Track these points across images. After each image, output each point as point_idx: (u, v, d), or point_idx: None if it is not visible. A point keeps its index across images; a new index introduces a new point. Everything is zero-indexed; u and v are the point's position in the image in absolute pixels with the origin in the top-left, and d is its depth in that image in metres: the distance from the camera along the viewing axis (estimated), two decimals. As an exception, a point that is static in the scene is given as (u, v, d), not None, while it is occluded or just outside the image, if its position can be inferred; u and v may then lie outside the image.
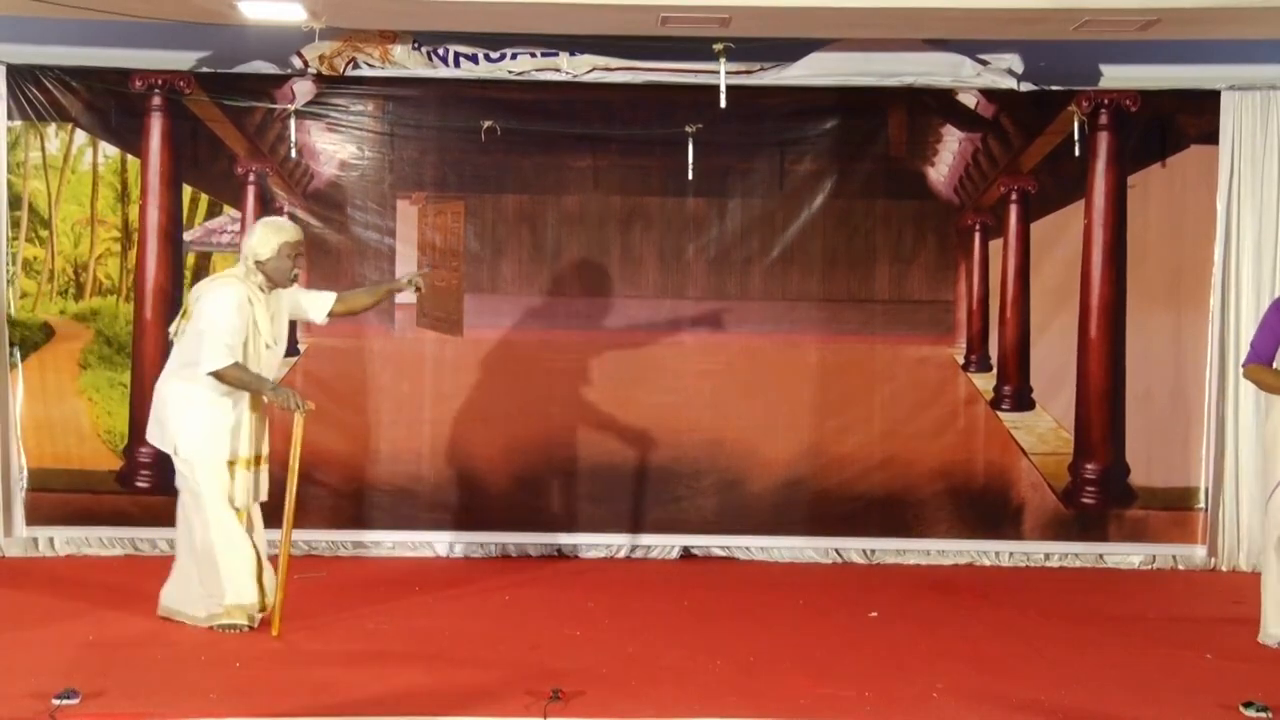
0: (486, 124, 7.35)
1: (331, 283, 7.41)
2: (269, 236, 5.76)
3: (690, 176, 7.39)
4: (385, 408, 7.45)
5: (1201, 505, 7.42)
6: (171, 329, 5.94)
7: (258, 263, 5.75)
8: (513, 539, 7.42)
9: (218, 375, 5.63)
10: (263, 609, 5.74)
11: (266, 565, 5.81)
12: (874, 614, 6.30)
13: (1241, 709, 4.70)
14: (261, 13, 6.73)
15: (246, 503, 5.80)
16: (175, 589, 5.88)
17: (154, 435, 5.90)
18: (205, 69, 7.31)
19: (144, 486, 7.33)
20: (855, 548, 7.47)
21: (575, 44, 7.24)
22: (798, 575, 7.17)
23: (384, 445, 7.44)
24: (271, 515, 5.91)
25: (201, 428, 5.71)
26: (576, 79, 7.31)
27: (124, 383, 7.36)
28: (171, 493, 7.27)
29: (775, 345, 7.50)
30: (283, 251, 5.75)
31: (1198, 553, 7.41)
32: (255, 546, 5.76)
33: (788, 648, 5.61)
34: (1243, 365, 5.87)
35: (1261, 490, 6.20)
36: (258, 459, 5.85)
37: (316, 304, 6.08)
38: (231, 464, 5.74)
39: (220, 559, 5.70)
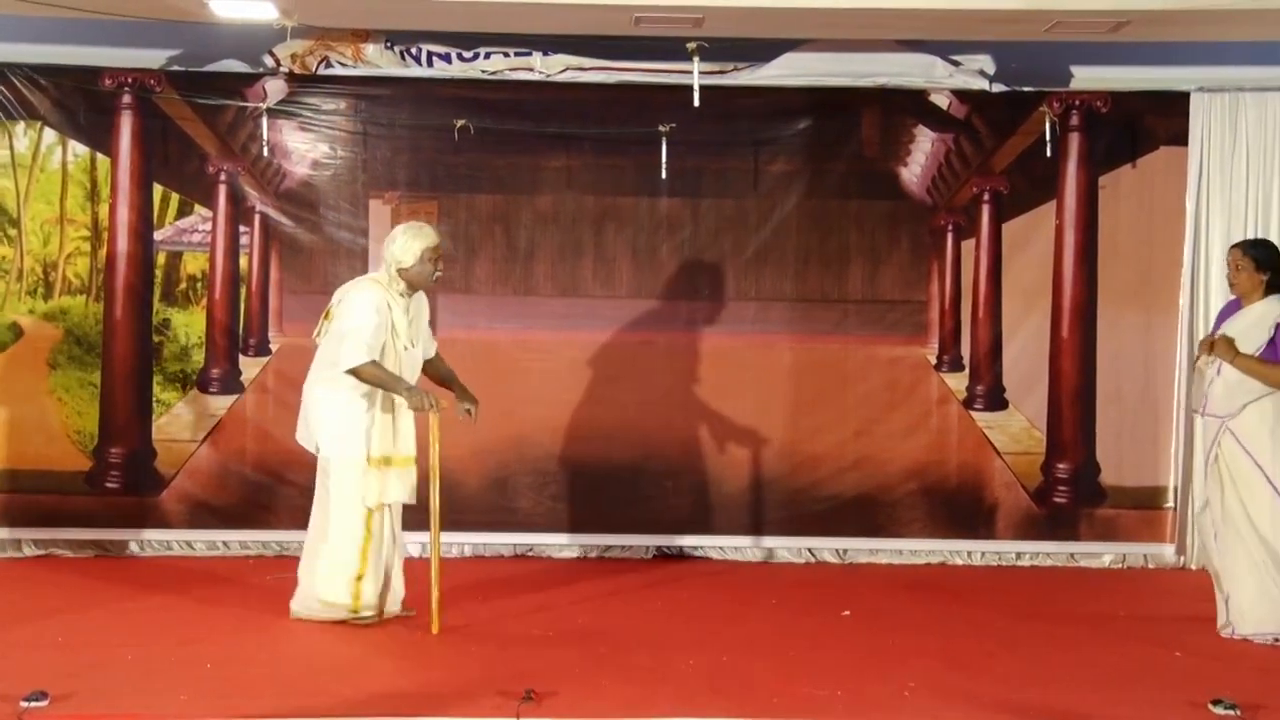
0: (460, 123, 7.34)
1: (304, 282, 7.41)
2: (410, 243, 5.82)
3: (664, 176, 7.40)
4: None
5: (1170, 504, 7.47)
6: (315, 332, 5.99)
7: (400, 270, 5.82)
8: (485, 539, 7.41)
9: (355, 373, 5.71)
10: (379, 613, 5.81)
11: (396, 571, 5.91)
12: (847, 613, 6.31)
13: (1210, 707, 4.73)
14: (233, 11, 6.69)
15: (391, 501, 5.82)
16: (300, 590, 5.96)
17: (301, 435, 5.98)
18: (176, 67, 7.27)
19: (113, 487, 7.29)
20: (828, 547, 7.49)
21: (548, 43, 7.24)
22: (770, 575, 7.18)
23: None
24: (411, 517, 6.05)
25: (341, 427, 5.78)
26: (550, 79, 7.31)
27: (94, 383, 7.31)
28: (140, 493, 7.30)
29: (749, 345, 7.51)
30: (424, 256, 5.83)
31: (1167, 551, 7.46)
32: (377, 553, 5.78)
33: (760, 647, 5.61)
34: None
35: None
36: (404, 459, 5.86)
37: (429, 346, 6.12)
38: (378, 461, 5.78)
39: (331, 556, 5.77)
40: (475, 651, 5.48)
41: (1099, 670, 5.35)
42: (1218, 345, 5.86)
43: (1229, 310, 6.11)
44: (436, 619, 5.72)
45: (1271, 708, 4.78)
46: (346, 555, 5.77)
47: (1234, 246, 6.14)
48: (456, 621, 5.93)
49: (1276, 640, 5.78)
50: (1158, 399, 7.48)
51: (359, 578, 5.77)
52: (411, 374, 5.90)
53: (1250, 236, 7.01)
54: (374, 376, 5.72)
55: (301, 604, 5.92)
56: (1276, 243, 6.25)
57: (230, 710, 4.61)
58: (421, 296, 6.00)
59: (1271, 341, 5.82)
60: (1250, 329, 5.87)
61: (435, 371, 6.16)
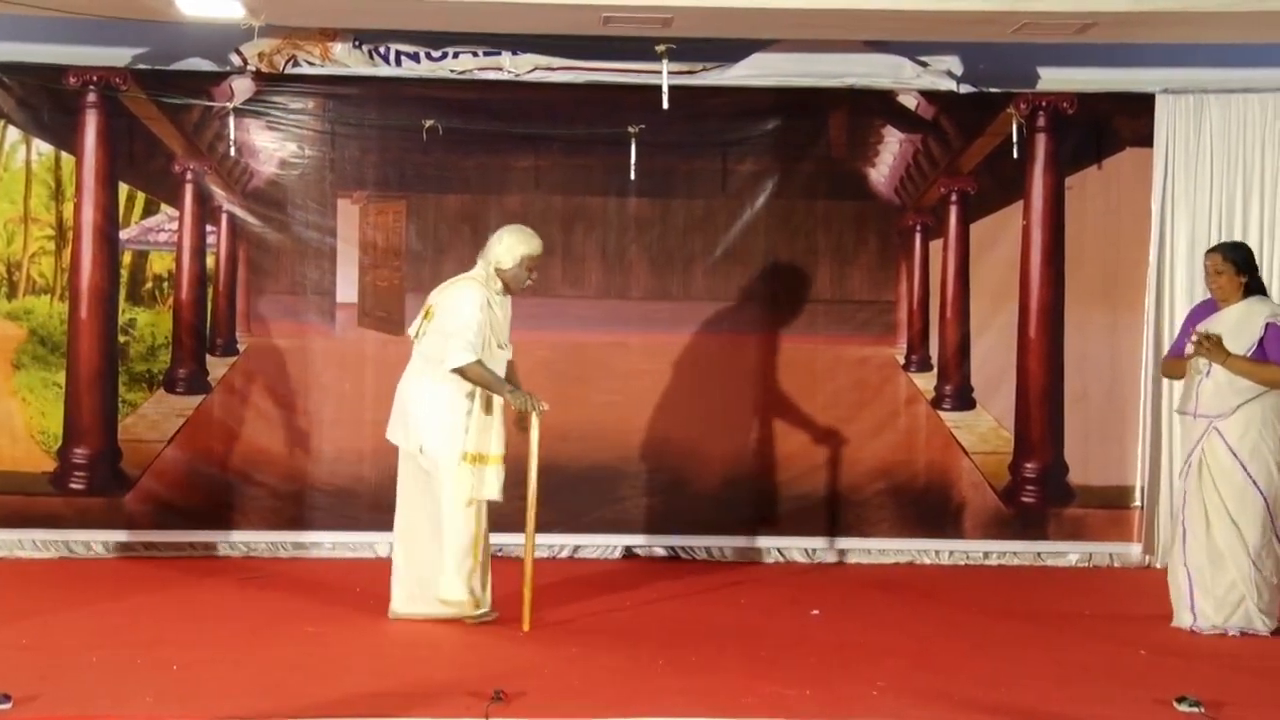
0: (428, 123, 7.32)
1: (272, 281, 7.37)
2: (515, 246, 5.88)
3: (633, 176, 7.40)
4: (326, 408, 7.40)
5: (1137, 504, 7.52)
6: (412, 330, 6.01)
7: (499, 269, 5.86)
8: (455, 540, 7.38)
9: (461, 372, 5.72)
10: (476, 606, 5.84)
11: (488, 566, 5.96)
12: (816, 612, 6.33)
13: (1175, 704, 4.76)
14: (199, 9, 6.65)
15: (488, 498, 5.86)
16: (402, 590, 5.94)
17: (396, 434, 5.96)
18: (142, 66, 7.22)
19: (78, 488, 7.23)
20: (797, 546, 7.51)
21: (517, 43, 7.23)
22: (740, 574, 7.19)
23: (325, 445, 7.38)
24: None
25: (445, 425, 5.78)
26: (519, 78, 7.30)
27: (58, 383, 7.25)
28: (105, 494, 7.24)
29: (718, 345, 7.51)
30: (523, 263, 5.89)
31: (1133, 550, 7.51)
32: (485, 549, 5.87)
33: (730, 646, 5.61)
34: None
35: None
36: (496, 457, 5.88)
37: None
38: (475, 459, 5.79)
39: (449, 556, 5.80)
40: (444, 651, 5.46)
41: (1065, 668, 5.38)
42: (1205, 347, 5.81)
43: (1201, 312, 6.11)
44: (528, 617, 5.76)
45: (1236, 705, 4.82)
46: (463, 552, 5.80)
47: (1213, 251, 6.09)
48: (424, 621, 5.91)
49: (1244, 633, 5.87)
50: (1124, 399, 7.53)
51: (473, 573, 5.82)
52: (499, 372, 5.89)
53: (1216, 237, 7.09)
54: (479, 376, 5.74)
55: (409, 604, 5.91)
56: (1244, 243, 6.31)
57: (197, 712, 4.57)
58: (509, 299, 5.99)
59: (1261, 342, 5.84)
60: (1236, 331, 5.86)
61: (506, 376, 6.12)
